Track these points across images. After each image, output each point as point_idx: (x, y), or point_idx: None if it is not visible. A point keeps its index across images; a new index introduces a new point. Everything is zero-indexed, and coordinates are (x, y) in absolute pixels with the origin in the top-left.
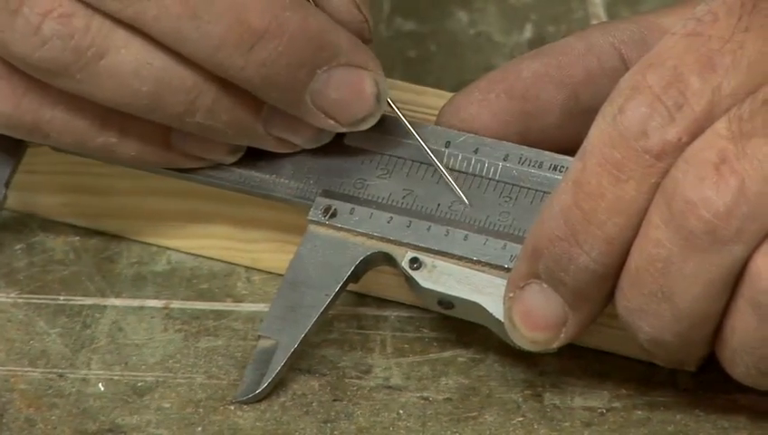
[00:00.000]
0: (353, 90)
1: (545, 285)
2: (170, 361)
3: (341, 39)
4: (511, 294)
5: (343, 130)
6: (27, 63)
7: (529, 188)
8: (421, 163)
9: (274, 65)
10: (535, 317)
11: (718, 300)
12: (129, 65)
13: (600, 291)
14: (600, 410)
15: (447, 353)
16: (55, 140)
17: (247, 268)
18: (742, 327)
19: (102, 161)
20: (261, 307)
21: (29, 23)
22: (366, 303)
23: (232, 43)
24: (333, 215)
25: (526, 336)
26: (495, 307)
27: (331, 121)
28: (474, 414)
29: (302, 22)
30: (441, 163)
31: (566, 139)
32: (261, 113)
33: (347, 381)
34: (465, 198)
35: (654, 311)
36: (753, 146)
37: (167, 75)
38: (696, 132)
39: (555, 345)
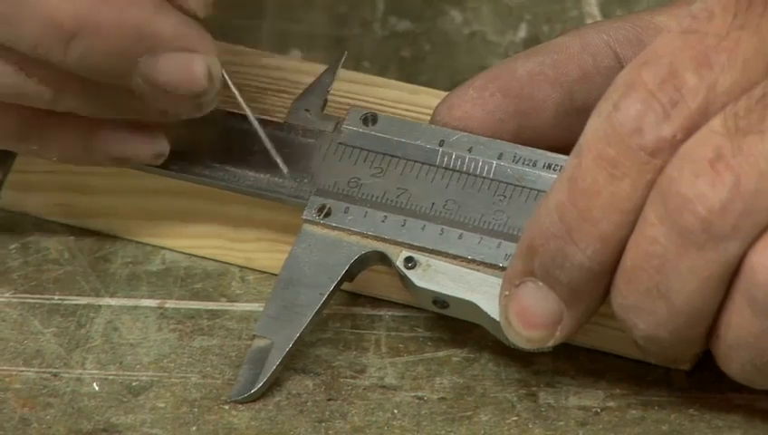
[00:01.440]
0: (182, 72)
1: (541, 283)
2: (165, 360)
3: (165, 26)
4: (506, 292)
5: (184, 108)
6: None
7: (523, 187)
8: (415, 162)
9: (92, 59)
10: (531, 315)
11: (714, 296)
12: None
13: (596, 288)
14: (594, 410)
15: (442, 353)
16: None
17: (242, 268)
18: (737, 323)
19: None
20: (255, 307)
21: None
22: (360, 302)
23: (47, 42)
24: (328, 214)
25: (522, 334)
26: (490, 306)
27: (168, 96)
28: (468, 414)
29: (118, 16)
30: (435, 162)
31: (560, 137)
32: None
33: (341, 380)
34: (282, 165)
35: (649, 308)
36: (749, 143)
37: (24, 68)
38: (691, 129)
39: (551, 343)
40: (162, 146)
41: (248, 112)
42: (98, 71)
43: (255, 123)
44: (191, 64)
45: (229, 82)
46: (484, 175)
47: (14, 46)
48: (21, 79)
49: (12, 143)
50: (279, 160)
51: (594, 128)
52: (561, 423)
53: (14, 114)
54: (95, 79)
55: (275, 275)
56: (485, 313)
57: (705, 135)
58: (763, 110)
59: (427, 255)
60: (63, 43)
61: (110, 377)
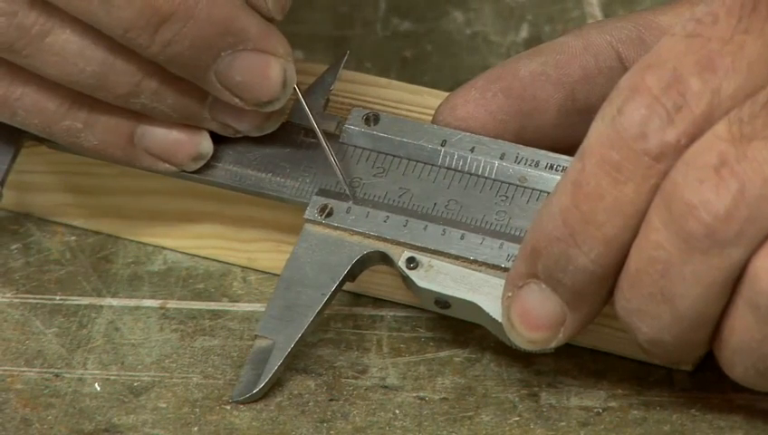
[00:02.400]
0: (258, 74)
1: (544, 285)
2: (166, 360)
3: (251, 24)
4: (509, 294)
5: (249, 109)
6: None
7: (525, 187)
8: (417, 162)
9: (177, 46)
10: (534, 317)
11: (717, 302)
12: (74, 45)
13: (599, 291)
14: (596, 410)
15: (444, 353)
16: (22, 120)
17: (243, 268)
18: (740, 328)
19: (64, 149)
20: (257, 307)
21: None
22: (362, 302)
23: (140, 25)
24: (330, 214)
25: (524, 336)
26: (492, 307)
27: (237, 100)
28: (470, 414)
29: (210, 6)
30: (437, 162)
31: (562, 137)
32: (207, 99)
33: (343, 380)
34: (348, 191)
35: (653, 312)
36: (754, 149)
37: (111, 57)
38: (695, 134)
39: (553, 345)
40: (205, 147)
41: (316, 128)
42: (179, 60)
43: (323, 140)
44: (268, 67)
45: (299, 94)
46: (486, 175)
47: (106, 29)
48: (105, 68)
49: (59, 117)
50: (344, 183)
51: (598, 132)
52: (563, 424)
53: (68, 90)
54: (174, 70)
55: (277, 275)
56: (487, 313)
57: (709, 140)
58: (767, 115)
59: (428, 255)
60: (154, 28)
61: (112, 377)
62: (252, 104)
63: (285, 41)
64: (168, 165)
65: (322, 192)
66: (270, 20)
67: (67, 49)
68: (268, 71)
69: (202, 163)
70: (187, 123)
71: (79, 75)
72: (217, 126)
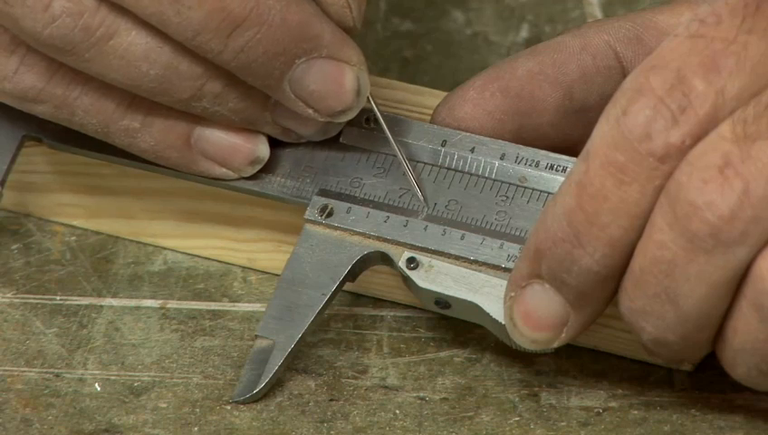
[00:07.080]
0: (332, 83)
1: (547, 286)
2: (167, 361)
3: (325, 31)
4: (512, 294)
5: (322, 120)
6: (37, 40)
7: (525, 187)
8: (418, 162)
9: (251, 52)
10: (536, 317)
11: (721, 302)
12: (139, 48)
13: (603, 292)
14: (596, 410)
15: (444, 353)
16: (80, 120)
17: (244, 268)
18: (744, 328)
19: (114, 158)
20: (257, 307)
21: None
22: (362, 303)
23: (211, 28)
24: (330, 214)
25: (527, 336)
26: (492, 307)
27: (310, 111)
28: (470, 414)
29: (284, 11)
30: (437, 162)
31: (561, 137)
32: (269, 102)
33: (343, 381)
34: (422, 199)
35: (657, 312)
36: (758, 149)
37: (175, 60)
38: (699, 135)
39: (555, 345)
40: (262, 151)
41: (391, 139)
42: (253, 68)
43: (399, 152)
44: (342, 75)
45: (373, 104)
46: (487, 175)
47: (175, 32)
48: (169, 71)
49: (117, 117)
50: (419, 194)
51: (602, 133)
52: (563, 424)
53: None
54: (247, 79)
55: (277, 275)
56: (488, 314)
57: (713, 141)
58: None
59: (429, 255)
60: (226, 33)
61: (112, 377)
62: (325, 114)
63: (358, 49)
64: (225, 170)
65: (323, 192)
66: (348, 29)
67: (131, 52)
68: (342, 79)
69: (258, 168)
70: (248, 127)
71: (142, 79)
72: (279, 131)
